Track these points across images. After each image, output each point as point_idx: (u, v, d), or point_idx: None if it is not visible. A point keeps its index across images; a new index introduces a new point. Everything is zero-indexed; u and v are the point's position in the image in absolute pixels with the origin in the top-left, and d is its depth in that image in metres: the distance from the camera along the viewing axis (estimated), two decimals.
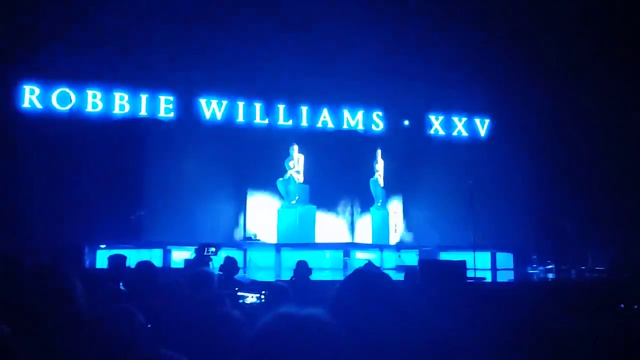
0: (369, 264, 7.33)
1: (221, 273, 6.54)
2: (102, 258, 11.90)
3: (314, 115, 15.60)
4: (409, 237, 15.75)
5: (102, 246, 12.68)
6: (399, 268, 12.77)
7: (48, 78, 13.69)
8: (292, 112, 15.01)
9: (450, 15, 12.59)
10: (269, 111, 15.02)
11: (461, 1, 12.55)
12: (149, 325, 2.61)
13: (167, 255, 12.93)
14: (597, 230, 12.81)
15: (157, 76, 13.72)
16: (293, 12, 13.19)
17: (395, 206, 16.78)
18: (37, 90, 13.97)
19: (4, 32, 11.86)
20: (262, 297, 2.66)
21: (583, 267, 11.73)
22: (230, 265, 6.65)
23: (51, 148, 13.23)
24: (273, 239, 14.97)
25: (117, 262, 6.31)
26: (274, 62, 13.80)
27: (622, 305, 6.48)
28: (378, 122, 16.23)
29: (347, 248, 14.11)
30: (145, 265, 4.02)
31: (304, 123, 15.54)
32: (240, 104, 15.27)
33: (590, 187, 13.80)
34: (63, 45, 12.35)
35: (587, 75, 12.80)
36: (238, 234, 15.76)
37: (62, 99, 14.15)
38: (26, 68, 13.23)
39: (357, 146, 15.42)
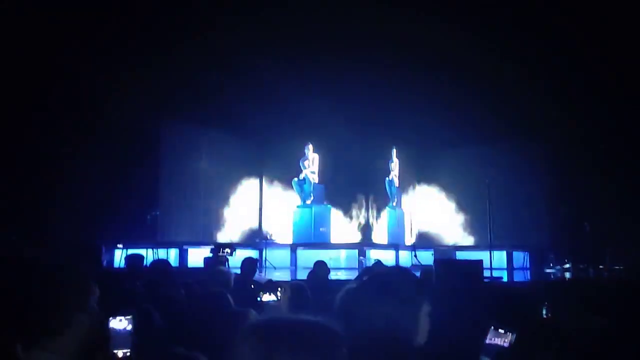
0: (379, 263, 7.33)
1: (238, 273, 6.60)
2: (119, 258, 12.06)
3: (329, 114, 15.53)
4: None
5: (119, 246, 12.82)
6: (414, 267, 12.74)
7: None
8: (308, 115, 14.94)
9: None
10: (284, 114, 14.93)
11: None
12: (165, 324, 2.64)
13: (183, 254, 13.05)
14: (616, 229, 12.64)
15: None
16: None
17: (411, 205, 16.75)
18: None
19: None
20: (279, 294, 2.67)
21: (601, 266, 11.58)
22: (249, 265, 6.69)
23: (67, 146, 13.37)
24: (288, 239, 15.02)
25: (134, 261, 6.39)
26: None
27: None
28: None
29: (362, 248, 14.11)
30: (160, 264, 4.06)
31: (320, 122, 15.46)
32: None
33: (607, 185, 13.61)
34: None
35: (599, 73, 12.64)
36: (254, 234, 15.84)
37: None
38: None
39: (373, 145, 15.38)
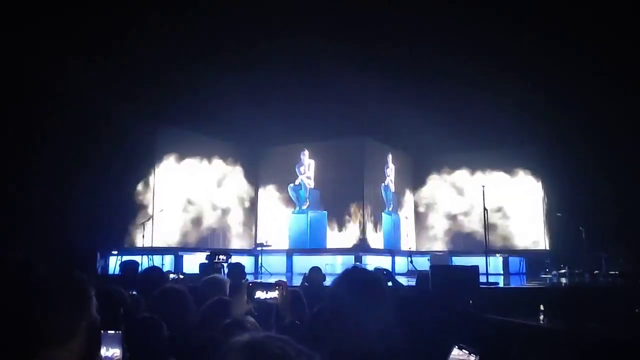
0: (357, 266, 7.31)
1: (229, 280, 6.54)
2: (114, 264, 12.00)
3: (325, 120, 15.51)
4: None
5: (114, 252, 12.76)
6: (410, 273, 12.71)
7: None
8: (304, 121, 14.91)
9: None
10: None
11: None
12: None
13: (178, 260, 13.00)
14: (611, 234, 12.65)
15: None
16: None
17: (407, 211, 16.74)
18: None
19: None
20: (277, 293, 2.60)
21: (597, 272, 11.58)
22: (237, 270, 6.65)
23: (62, 153, 13.34)
24: (284, 245, 14.98)
25: (129, 268, 6.34)
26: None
27: (637, 310, 6.39)
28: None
29: (358, 253, 14.08)
30: (152, 272, 4.02)
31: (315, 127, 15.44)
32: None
33: (603, 190, 13.65)
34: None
35: (597, 82, 12.69)
36: (250, 240, 15.79)
37: None
38: None
39: (369, 151, 15.37)
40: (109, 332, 1.49)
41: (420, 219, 16.94)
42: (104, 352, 1.47)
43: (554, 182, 15.55)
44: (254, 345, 0.99)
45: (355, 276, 1.84)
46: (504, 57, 12.61)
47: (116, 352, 1.49)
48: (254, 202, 16.33)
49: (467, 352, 1.81)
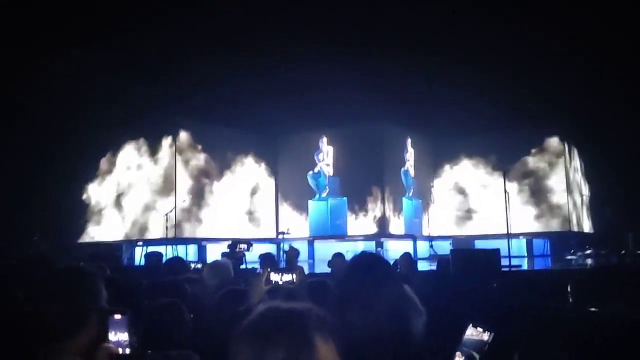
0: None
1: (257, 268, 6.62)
2: (139, 255, 12.22)
3: (342, 107, 15.39)
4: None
5: (139, 243, 12.97)
6: (432, 258, 12.68)
7: None
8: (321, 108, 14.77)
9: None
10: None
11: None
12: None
13: (202, 250, 13.15)
14: (638, 213, 12.41)
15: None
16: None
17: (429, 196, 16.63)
18: None
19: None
20: (295, 276, 2.60)
21: (624, 252, 11.35)
22: (267, 261, 6.72)
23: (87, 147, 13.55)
24: (305, 232, 15.02)
25: (153, 259, 6.45)
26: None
27: None
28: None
29: (379, 239, 14.07)
30: (175, 262, 4.08)
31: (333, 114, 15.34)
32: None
33: (628, 169, 13.38)
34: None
35: (618, 63, 12.39)
36: (271, 229, 15.86)
37: None
38: None
39: (387, 136, 15.25)
40: (116, 317, 1.52)
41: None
42: (111, 336, 1.50)
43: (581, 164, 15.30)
44: (265, 312, 1.04)
45: (361, 261, 1.96)
46: (524, 38, 12.38)
47: (124, 336, 1.51)
48: (273, 190, 16.37)
49: (481, 329, 1.82)
